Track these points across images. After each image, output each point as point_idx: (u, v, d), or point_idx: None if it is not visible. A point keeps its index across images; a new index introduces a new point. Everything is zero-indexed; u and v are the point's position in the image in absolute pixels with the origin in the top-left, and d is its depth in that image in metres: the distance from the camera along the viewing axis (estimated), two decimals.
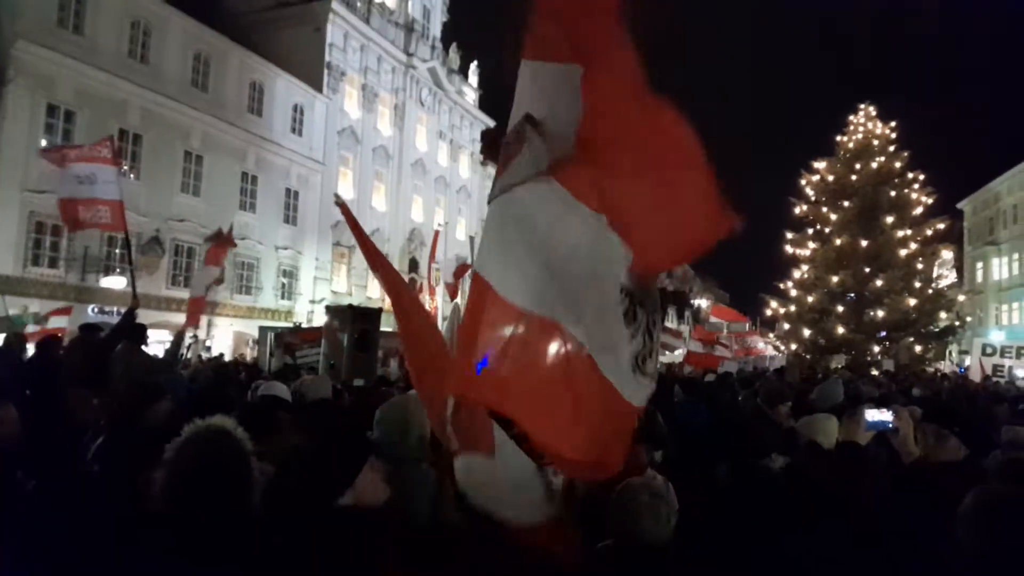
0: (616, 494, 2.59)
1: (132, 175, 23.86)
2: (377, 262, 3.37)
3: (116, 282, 22.16)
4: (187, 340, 9.36)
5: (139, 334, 6.69)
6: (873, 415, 3.14)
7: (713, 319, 25.84)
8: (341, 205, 3.32)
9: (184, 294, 20.41)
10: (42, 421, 4.44)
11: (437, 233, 23.23)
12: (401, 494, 2.54)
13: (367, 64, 36.16)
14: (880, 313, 26.94)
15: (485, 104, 47.81)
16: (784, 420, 5.77)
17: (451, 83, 43.49)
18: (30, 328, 12.43)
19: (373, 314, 13.25)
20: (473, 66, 46.81)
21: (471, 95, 46.69)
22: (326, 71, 33.07)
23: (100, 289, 22.31)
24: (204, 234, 23.33)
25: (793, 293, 28.88)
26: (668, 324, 65.47)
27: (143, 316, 7.11)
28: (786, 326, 30.24)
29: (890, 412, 3.14)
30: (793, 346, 29.22)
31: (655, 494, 2.55)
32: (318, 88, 32.55)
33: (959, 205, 48.77)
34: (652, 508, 2.48)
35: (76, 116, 22.04)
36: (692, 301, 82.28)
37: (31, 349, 8.88)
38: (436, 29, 42.46)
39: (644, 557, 2.41)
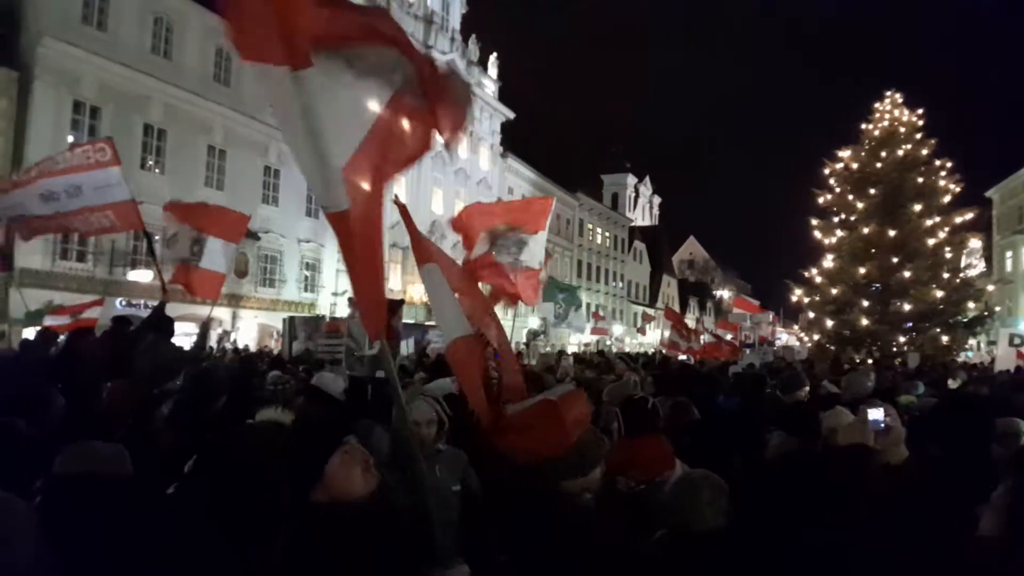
0: (674, 487, 2.66)
1: (157, 170, 24.14)
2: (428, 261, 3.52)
3: (143, 275, 22.42)
4: (218, 331, 9.42)
5: (167, 327, 6.75)
6: (872, 414, 3.13)
7: (736, 310, 25.67)
8: (399, 205, 3.49)
9: None
10: (71, 413, 4.51)
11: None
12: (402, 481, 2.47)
13: None
14: (906, 304, 26.56)
15: (505, 96, 47.72)
16: None
17: (470, 75, 43.41)
18: (49, 321, 12.56)
19: (395, 306, 13.26)
20: (492, 57, 46.69)
21: (491, 87, 46.57)
22: None
23: (127, 282, 22.60)
24: None
25: (818, 280, 28.53)
26: (688, 317, 65.12)
27: (170, 309, 7.17)
28: (811, 315, 29.88)
29: (882, 411, 3.14)
30: (816, 337, 28.89)
31: (715, 486, 2.60)
32: None
33: (987, 193, 47.85)
34: (712, 500, 2.54)
35: (101, 112, 22.32)
36: (714, 292, 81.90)
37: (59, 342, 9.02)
38: (455, 21, 42.37)
39: (701, 545, 2.47)
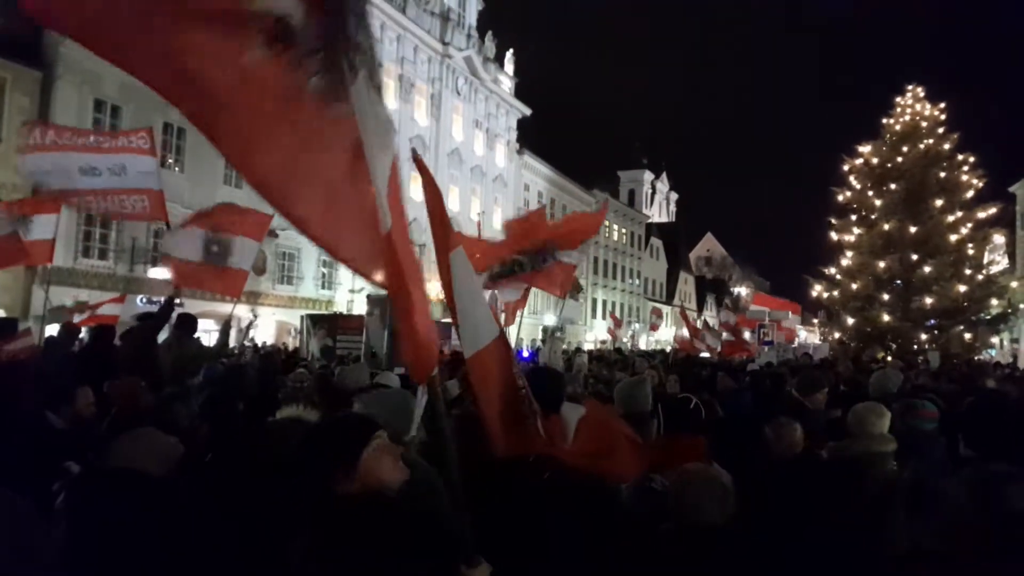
0: (676, 480, 2.73)
1: (176, 168, 24.37)
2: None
3: (163, 272, 22.61)
4: (250, 320, 9.45)
5: (189, 324, 6.80)
6: None
7: (754, 307, 25.45)
8: (419, 162, 2.91)
9: None
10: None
11: (479, 224, 23.12)
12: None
13: (403, 54, 36.26)
14: (928, 300, 26.24)
15: (521, 92, 47.67)
16: (821, 407, 5.73)
17: (487, 71, 43.40)
18: (76, 317, 12.72)
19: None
20: (509, 54, 46.65)
21: (507, 83, 46.53)
22: None
23: (148, 279, 22.83)
24: None
25: (838, 278, 28.28)
26: (708, 316, 64.73)
27: (190, 306, 7.23)
28: (829, 311, 29.61)
29: None
30: (836, 335, 28.64)
31: (712, 479, 2.69)
32: None
33: (1011, 188, 47.14)
34: (711, 492, 2.62)
35: (122, 111, 22.58)
36: (731, 289, 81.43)
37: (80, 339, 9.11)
38: (472, 17, 42.36)
39: (703, 537, 2.53)
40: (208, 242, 7.64)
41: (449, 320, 2.91)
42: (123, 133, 8.20)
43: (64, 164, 7.31)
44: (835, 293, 28.26)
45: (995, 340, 30.81)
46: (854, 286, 27.55)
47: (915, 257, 26.52)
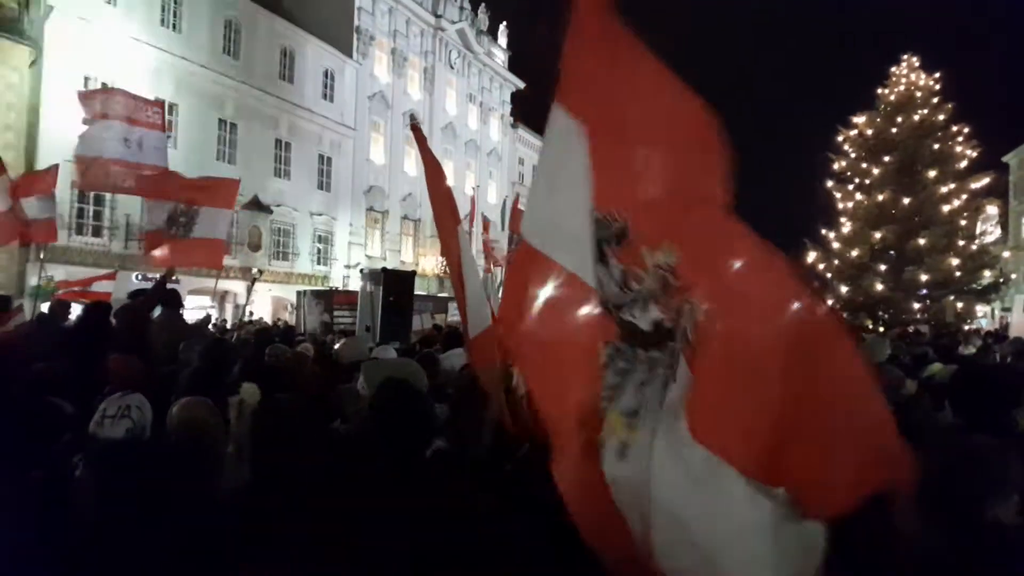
0: None
1: (171, 144, 24.22)
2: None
3: (159, 250, 22.56)
4: (249, 283, 9.48)
5: (174, 300, 6.83)
6: None
7: None
8: (414, 126, 3.17)
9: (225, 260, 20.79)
10: (90, 385, 4.58)
11: (473, 199, 23.09)
12: None
13: (396, 27, 35.88)
14: (921, 271, 26.37)
15: (515, 65, 47.22)
16: None
17: (480, 45, 42.98)
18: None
19: (407, 277, 13.45)
20: (502, 27, 46.14)
21: (500, 56, 46.11)
22: (355, 36, 32.91)
23: (142, 256, 22.79)
24: (241, 201, 23.60)
25: (835, 246, 28.36)
26: None
27: (186, 283, 7.27)
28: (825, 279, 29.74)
29: None
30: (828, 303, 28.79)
31: None
32: (348, 53, 32.43)
33: (1004, 159, 46.99)
34: None
35: (111, 87, 22.35)
36: None
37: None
38: None
39: None
40: (175, 213, 7.66)
41: (445, 295, 3.05)
42: (138, 100, 8.10)
43: (102, 135, 7.35)
44: (834, 262, 28.36)
45: (986, 309, 31.01)
46: (853, 253, 27.62)
47: (908, 228, 26.61)
